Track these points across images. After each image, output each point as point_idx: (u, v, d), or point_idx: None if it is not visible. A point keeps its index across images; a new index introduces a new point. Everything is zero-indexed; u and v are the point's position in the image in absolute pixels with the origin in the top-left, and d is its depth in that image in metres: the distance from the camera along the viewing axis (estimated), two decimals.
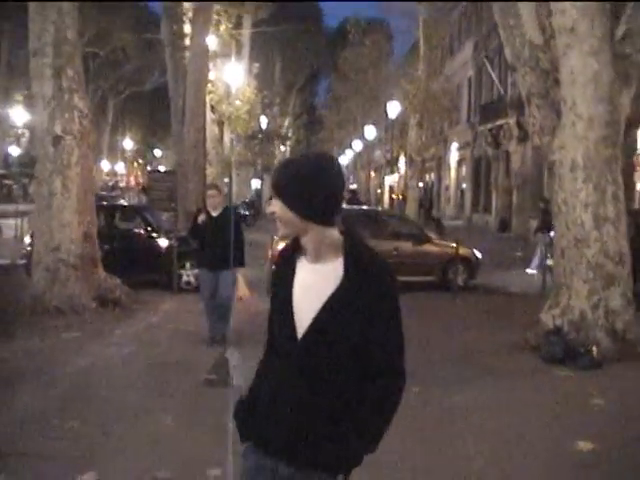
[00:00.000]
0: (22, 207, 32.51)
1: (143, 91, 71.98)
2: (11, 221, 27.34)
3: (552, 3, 10.12)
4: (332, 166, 2.77)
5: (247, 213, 39.21)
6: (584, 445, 6.40)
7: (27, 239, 15.84)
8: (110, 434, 6.40)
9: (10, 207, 40.04)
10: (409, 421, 6.01)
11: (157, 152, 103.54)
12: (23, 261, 13.93)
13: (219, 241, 9.75)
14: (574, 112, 10.02)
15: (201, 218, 9.97)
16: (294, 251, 2.86)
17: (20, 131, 65.60)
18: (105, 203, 17.75)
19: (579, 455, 6.21)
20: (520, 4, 11.13)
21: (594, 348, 9.51)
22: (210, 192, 10.36)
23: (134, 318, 12.09)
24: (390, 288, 2.75)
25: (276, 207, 2.77)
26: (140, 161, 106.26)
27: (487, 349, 10.48)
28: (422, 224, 26.67)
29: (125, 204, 21.19)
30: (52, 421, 6.71)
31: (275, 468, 2.77)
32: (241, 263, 9.99)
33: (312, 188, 2.69)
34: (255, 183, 59.42)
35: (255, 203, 45.64)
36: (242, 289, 9.84)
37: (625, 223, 10.26)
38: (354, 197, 45.06)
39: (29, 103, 58.91)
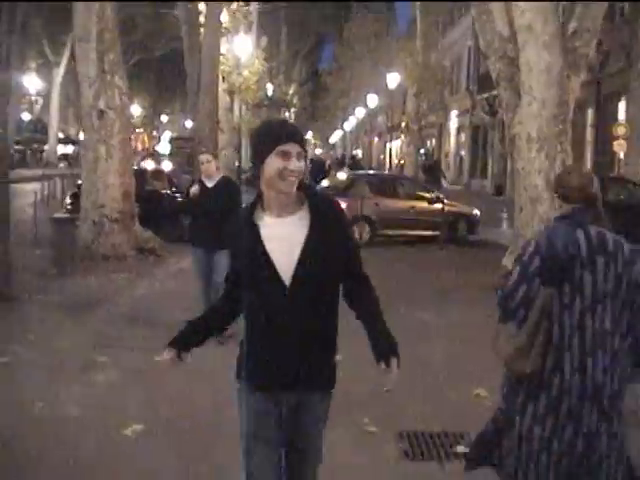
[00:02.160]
0: (42, 171, 34.88)
1: (150, 58, 73.72)
2: (29, 186, 29.61)
3: (513, 5, 12.33)
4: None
5: (253, 177, 41.62)
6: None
7: (68, 199, 18.24)
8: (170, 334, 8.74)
9: (27, 172, 42.46)
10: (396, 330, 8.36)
11: (164, 118, 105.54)
12: (67, 216, 16.14)
13: (215, 216, 8.22)
14: (530, 94, 12.29)
15: (193, 190, 8.58)
16: (252, 212, 3.25)
17: (33, 98, 67.68)
18: (138, 167, 20.01)
19: None
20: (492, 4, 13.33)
21: None
22: (203, 157, 8.75)
23: (167, 263, 14.46)
24: (344, 219, 3.33)
25: (303, 164, 3.18)
26: (145, 126, 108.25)
27: (463, 287, 12.85)
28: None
29: (155, 168, 23.47)
30: (123, 333, 9.05)
31: (280, 399, 3.29)
32: None
33: None
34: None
35: None
36: None
37: None
38: (355, 162, 46.66)
39: (41, 70, 61.11)
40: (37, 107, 69.18)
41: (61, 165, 61.55)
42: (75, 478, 5.06)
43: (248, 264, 3.20)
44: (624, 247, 3.65)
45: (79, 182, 17.01)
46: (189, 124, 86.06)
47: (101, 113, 14.75)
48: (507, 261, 12.61)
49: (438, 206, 19.20)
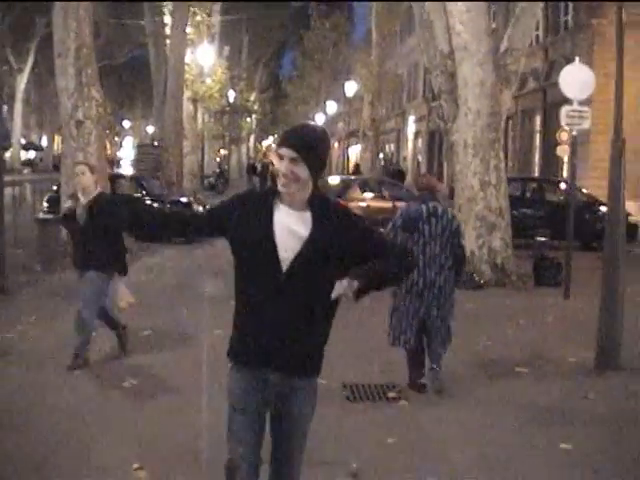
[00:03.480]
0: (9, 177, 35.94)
1: (113, 65, 74.65)
2: None
3: (451, 26, 13.86)
4: (327, 134, 3.51)
5: (217, 182, 43.09)
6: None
7: (45, 202, 19.54)
8: (148, 316, 10.13)
9: None
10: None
11: (125, 124, 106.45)
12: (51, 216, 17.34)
13: (88, 237, 7.52)
14: (466, 106, 13.86)
15: (67, 206, 7.78)
16: (272, 196, 3.41)
17: None
18: (111, 173, 21.32)
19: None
20: (433, 21, 14.84)
21: (475, 276, 13.39)
22: (77, 168, 7.81)
23: (141, 260, 15.80)
24: (348, 215, 3.49)
25: (300, 171, 3.29)
26: (108, 132, 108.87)
27: None
28: None
29: (127, 174, 24.84)
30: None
31: (266, 378, 3.43)
32: (119, 268, 7.86)
33: (327, 153, 3.43)
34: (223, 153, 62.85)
35: (225, 173, 49.17)
36: (124, 295, 7.80)
37: (505, 187, 14.13)
38: None
39: (4, 77, 61.75)
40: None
41: (25, 171, 62.44)
42: (81, 423, 6.43)
43: (254, 243, 3.35)
44: (448, 214, 7.30)
45: (54, 187, 18.27)
46: (150, 130, 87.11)
47: (79, 123, 16.05)
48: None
49: None
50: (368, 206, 20.86)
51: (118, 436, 5.92)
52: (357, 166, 42.29)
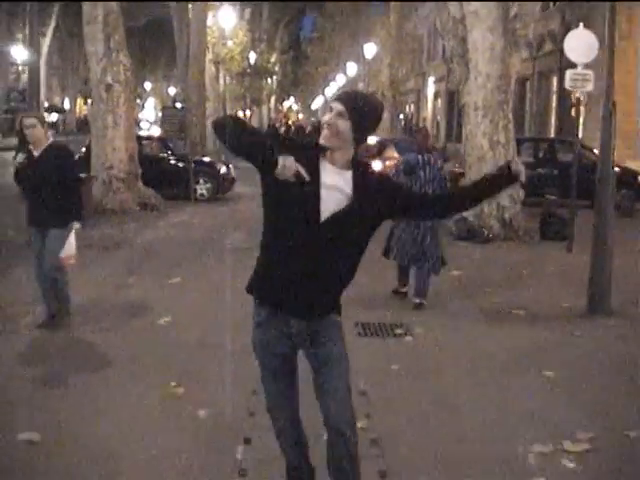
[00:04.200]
0: None
1: (134, 26, 75.06)
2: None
3: None
4: (383, 108, 3.73)
5: None
6: (456, 271, 11.04)
7: None
8: (179, 267, 10.99)
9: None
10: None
11: (147, 85, 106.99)
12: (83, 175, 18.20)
13: (45, 189, 7.42)
14: (477, 69, 14.55)
15: (18, 159, 7.57)
16: (319, 154, 3.56)
17: (20, 68, 69.13)
18: (139, 134, 22.12)
19: (453, 276, 10.86)
20: None
21: (485, 230, 14.16)
22: (27, 121, 7.50)
23: (168, 217, 16.67)
24: (390, 181, 3.89)
25: (343, 125, 3.48)
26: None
27: None
28: None
29: (153, 135, 25.65)
30: (142, 264, 11.33)
31: (287, 320, 3.63)
32: (77, 217, 7.59)
33: (374, 122, 3.60)
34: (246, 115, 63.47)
35: None
36: (68, 249, 7.56)
37: (513, 146, 14.84)
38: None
39: (28, 41, 62.47)
40: (24, 77, 70.58)
41: (49, 133, 63.34)
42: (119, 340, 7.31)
43: (298, 193, 3.44)
44: (438, 164, 9.09)
45: (83, 149, 19.13)
46: (172, 91, 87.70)
47: (109, 86, 16.89)
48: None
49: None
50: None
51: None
52: (422, 132, 42.76)
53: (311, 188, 3.46)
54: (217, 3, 32.83)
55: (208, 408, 5.64)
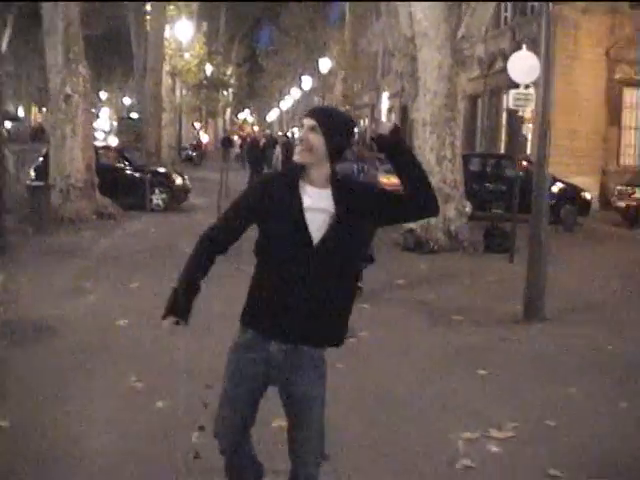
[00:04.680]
0: None
1: (90, 36, 75.02)
2: None
3: (413, 14, 15.12)
4: (355, 123, 3.66)
5: (194, 154, 44.32)
6: (401, 280, 11.60)
7: (32, 171, 20.64)
8: (136, 273, 11.37)
9: None
10: None
11: (102, 95, 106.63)
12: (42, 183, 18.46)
13: None
14: (425, 87, 15.18)
15: None
16: (297, 177, 3.52)
17: None
18: (96, 144, 22.44)
19: (399, 284, 11.39)
20: (398, 7, 16.08)
21: (431, 242, 14.76)
22: None
23: (124, 225, 17.06)
24: (370, 186, 3.83)
25: (315, 140, 3.46)
26: None
27: (377, 245, 15.60)
28: None
29: (110, 145, 25.99)
30: (102, 270, 11.71)
31: (272, 351, 3.50)
32: None
33: (347, 136, 3.54)
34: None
35: (201, 145, 50.15)
36: None
37: (459, 161, 15.48)
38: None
39: None
40: None
41: None
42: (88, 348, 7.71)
43: (283, 222, 3.43)
44: (370, 171, 10.24)
45: (40, 158, 19.44)
46: (127, 102, 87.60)
47: (67, 97, 17.24)
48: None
49: None
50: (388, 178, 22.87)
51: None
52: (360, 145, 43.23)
53: (296, 215, 3.43)
54: (174, 14, 33.20)
55: (165, 400, 6.08)
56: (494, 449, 5.40)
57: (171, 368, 6.89)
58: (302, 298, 3.42)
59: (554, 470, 5.06)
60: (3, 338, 7.84)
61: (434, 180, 14.91)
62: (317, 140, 3.46)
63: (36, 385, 6.45)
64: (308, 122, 3.50)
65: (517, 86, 14.26)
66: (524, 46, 14.82)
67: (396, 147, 3.51)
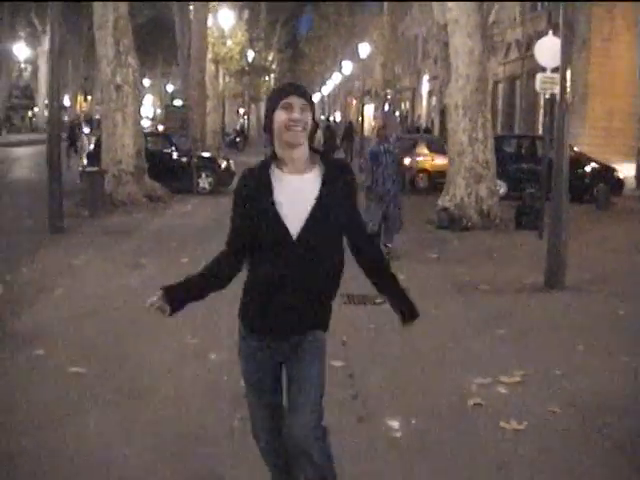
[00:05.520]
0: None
1: (133, 24, 75.93)
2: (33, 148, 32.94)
3: (441, 5, 15.82)
4: None
5: (238, 139, 45.27)
6: (434, 254, 12.39)
7: (85, 159, 21.74)
8: (185, 249, 12.30)
9: (21, 136, 45.92)
10: None
11: (146, 82, 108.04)
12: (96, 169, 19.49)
13: None
14: (457, 72, 15.88)
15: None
16: (267, 168, 3.45)
17: (23, 65, 70.41)
18: (146, 131, 23.48)
19: (431, 258, 12.19)
20: None
21: (464, 220, 15.50)
22: None
23: (173, 208, 18.04)
24: (354, 184, 3.55)
25: (308, 119, 3.40)
26: None
27: (414, 223, 16.34)
28: None
29: (159, 132, 27.04)
30: (155, 247, 12.64)
31: (275, 348, 3.59)
32: None
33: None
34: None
35: (244, 130, 51.15)
36: None
37: (491, 142, 16.17)
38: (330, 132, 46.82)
39: (30, 40, 63.63)
40: (26, 74, 71.82)
41: None
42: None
43: (258, 218, 3.38)
44: (396, 150, 12.52)
45: (91, 146, 20.50)
46: (170, 88, 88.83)
47: (118, 87, 18.22)
48: (442, 201, 16.26)
49: None
50: (432, 159, 24.46)
51: None
52: (382, 129, 43.93)
53: (269, 209, 3.38)
54: (217, 4, 34.08)
55: (215, 353, 6.97)
56: (502, 391, 6.21)
57: (218, 327, 7.75)
58: (292, 289, 3.43)
59: (554, 407, 5.85)
60: (74, 310, 8.79)
61: (467, 160, 15.70)
62: (309, 120, 3.43)
63: (107, 345, 7.37)
64: (299, 101, 3.40)
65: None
66: (550, 31, 15.34)
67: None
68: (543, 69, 15.11)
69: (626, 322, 8.69)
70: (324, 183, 3.43)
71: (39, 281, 10.03)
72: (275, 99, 3.45)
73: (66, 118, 52.23)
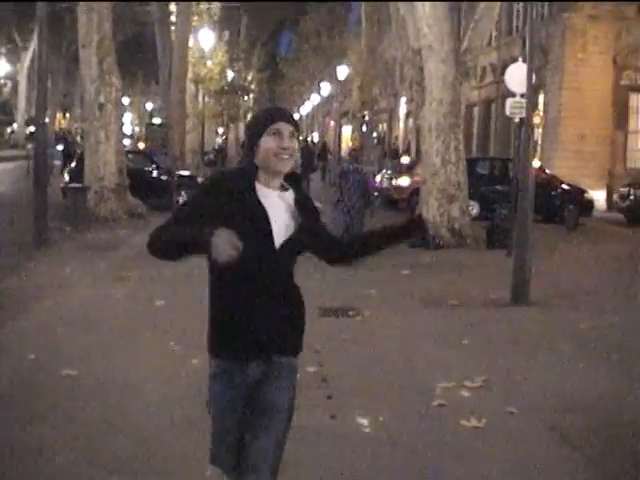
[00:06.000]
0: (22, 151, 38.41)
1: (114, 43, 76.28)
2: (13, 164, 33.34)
3: (416, 31, 16.41)
4: None
5: (217, 158, 45.88)
6: (406, 271, 12.89)
7: (66, 175, 22.16)
8: (167, 263, 12.70)
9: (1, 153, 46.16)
10: None
11: (125, 100, 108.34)
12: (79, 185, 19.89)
13: None
14: (431, 96, 16.47)
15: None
16: (251, 174, 3.38)
17: (2, 81, 70.51)
18: (127, 148, 23.95)
19: (403, 274, 12.68)
20: (406, 21, 17.37)
21: (437, 238, 16.04)
22: None
23: (154, 224, 18.24)
24: (316, 209, 3.58)
25: (295, 145, 3.36)
26: None
27: None
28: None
29: (140, 150, 27.50)
30: (137, 261, 13.07)
31: (247, 370, 3.41)
32: None
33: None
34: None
35: (223, 149, 51.64)
36: None
37: (463, 164, 16.75)
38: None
39: (9, 57, 63.75)
40: (5, 90, 71.91)
41: (29, 146, 64.61)
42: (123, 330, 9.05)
43: (245, 223, 3.25)
44: (362, 171, 14.60)
45: (72, 164, 20.98)
46: (149, 106, 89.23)
47: (101, 105, 18.68)
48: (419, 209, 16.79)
49: None
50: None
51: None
52: (354, 150, 44.71)
53: (261, 219, 3.32)
54: (197, 24, 34.67)
55: (198, 358, 7.39)
56: (465, 394, 6.71)
57: (203, 335, 8.18)
58: (269, 305, 3.36)
59: (511, 408, 6.36)
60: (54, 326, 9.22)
61: (439, 181, 16.26)
62: (296, 146, 3.38)
63: (90, 351, 7.81)
64: (288, 128, 3.35)
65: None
66: (520, 58, 16.01)
67: (418, 231, 3.63)
68: (513, 94, 15.74)
69: (585, 334, 9.21)
70: (298, 204, 3.44)
71: (27, 291, 10.46)
72: (262, 124, 3.36)
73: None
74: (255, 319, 3.35)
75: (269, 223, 3.31)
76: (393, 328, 9.18)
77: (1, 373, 7.00)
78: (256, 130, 3.37)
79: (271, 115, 3.39)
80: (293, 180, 3.49)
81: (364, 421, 6.02)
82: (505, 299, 10.91)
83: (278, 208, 3.36)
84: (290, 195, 3.44)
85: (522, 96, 15.24)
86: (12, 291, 10.55)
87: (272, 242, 3.32)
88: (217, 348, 3.47)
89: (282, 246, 3.35)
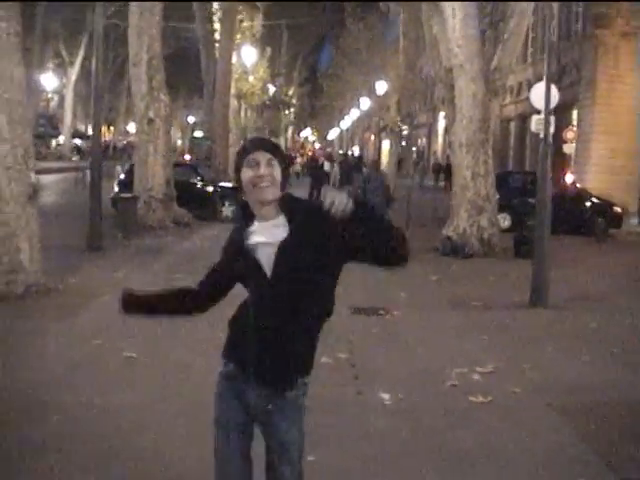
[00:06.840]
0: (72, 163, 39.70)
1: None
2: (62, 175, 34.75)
3: (447, 51, 17.34)
4: None
5: None
6: (435, 277, 13.80)
7: (115, 186, 23.35)
8: None
9: (52, 164, 47.79)
10: None
11: None
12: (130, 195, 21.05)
13: None
14: (461, 113, 17.38)
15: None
16: (244, 214, 3.43)
17: (50, 95, 72.45)
18: (174, 161, 25.12)
19: (432, 280, 13.60)
20: (439, 42, 18.33)
21: (466, 248, 16.91)
22: None
23: (199, 232, 19.54)
24: (325, 219, 3.13)
25: (276, 173, 3.32)
26: None
27: (419, 250, 17.81)
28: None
29: (186, 162, 28.73)
30: (186, 264, 14.12)
31: (248, 393, 3.43)
32: None
33: (287, 160, 3.54)
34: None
35: None
36: None
37: (492, 177, 17.62)
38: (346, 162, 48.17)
39: (57, 70, 65.59)
40: (53, 104, 73.88)
41: (74, 158, 66.46)
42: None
43: (237, 258, 3.45)
44: (377, 180, 17.55)
45: (122, 175, 22.19)
46: (191, 120, 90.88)
47: (150, 121, 19.83)
48: (446, 231, 17.70)
49: None
50: None
51: None
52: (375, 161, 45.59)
53: (245, 254, 3.40)
54: (240, 41, 35.89)
55: None
56: (476, 377, 7.65)
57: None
58: (269, 335, 3.35)
59: (516, 389, 7.27)
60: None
61: (469, 194, 17.16)
62: (277, 173, 3.34)
63: (145, 337, 8.83)
64: (264, 156, 3.33)
65: (575, 103, 16.35)
66: (544, 77, 16.83)
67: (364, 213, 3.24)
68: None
69: (593, 332, 10.08)
70: (290, 229, 3.32)
71: (86, 290, 11.53)
72: (240, 157, 3.40)
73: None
74: (257, 341, 3.37)
75: (257, 259, 3.36)
76: (418, 325, 10.12)
77: (72, 355, 8.05)
78: (236, 165, 3.43)
79: (246, 147, 3.44)
80: (287, 201, 3.40)
81: (385, 396, 6.97)
82: (525, 302, 11.77)
83: (268, 240, 3.34)
84: (282, 220, 3.35)
85: (549, 113, 16.15)
86: (73, 290, 11.62)
87: (265, 274, 3.34)
88: (225, 353, 3.60)
89: (274, 276, 3.34)
